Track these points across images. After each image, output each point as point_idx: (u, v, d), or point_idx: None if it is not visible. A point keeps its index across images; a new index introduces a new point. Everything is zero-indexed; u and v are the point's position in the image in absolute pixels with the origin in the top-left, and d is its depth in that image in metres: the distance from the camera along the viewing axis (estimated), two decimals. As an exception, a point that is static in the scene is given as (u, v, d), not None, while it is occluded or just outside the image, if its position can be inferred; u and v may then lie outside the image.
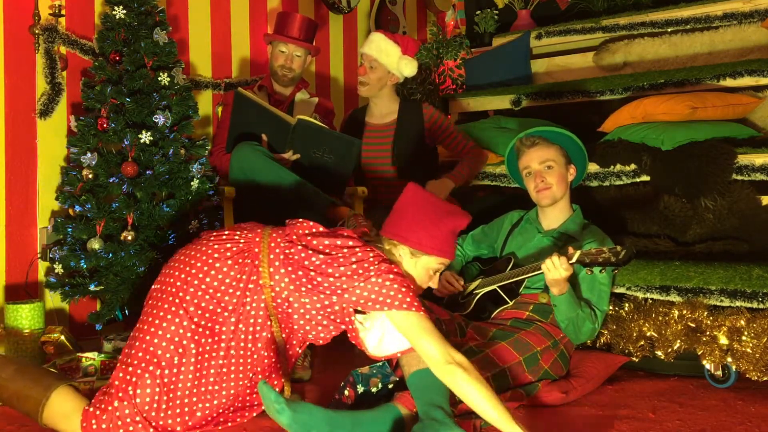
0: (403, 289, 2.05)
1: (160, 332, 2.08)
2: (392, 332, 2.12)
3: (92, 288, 2.95)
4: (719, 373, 2.61)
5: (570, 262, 2.37)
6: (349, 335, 2.19)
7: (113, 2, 3.12)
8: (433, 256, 2.18)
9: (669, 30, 3.89)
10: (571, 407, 2.41)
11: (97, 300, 3.14)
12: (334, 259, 2.09)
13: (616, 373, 2.73)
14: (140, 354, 2.07)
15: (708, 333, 2.54)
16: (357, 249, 2.11)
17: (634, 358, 2.71)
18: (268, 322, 2.15)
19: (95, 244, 2.93)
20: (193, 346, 2.08)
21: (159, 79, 3.10)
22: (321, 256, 2.10)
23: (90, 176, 3.01)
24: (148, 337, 2.08)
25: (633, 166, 3.09)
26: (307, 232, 2.19)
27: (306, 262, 2.11)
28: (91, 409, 2.04)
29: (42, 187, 3.24)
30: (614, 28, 4.06)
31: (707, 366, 2.61)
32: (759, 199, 2.91)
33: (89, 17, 3.42)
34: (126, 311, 3.00)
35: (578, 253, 2.37)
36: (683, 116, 3.07)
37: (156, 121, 3.06)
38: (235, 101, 3.19)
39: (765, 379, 2.45)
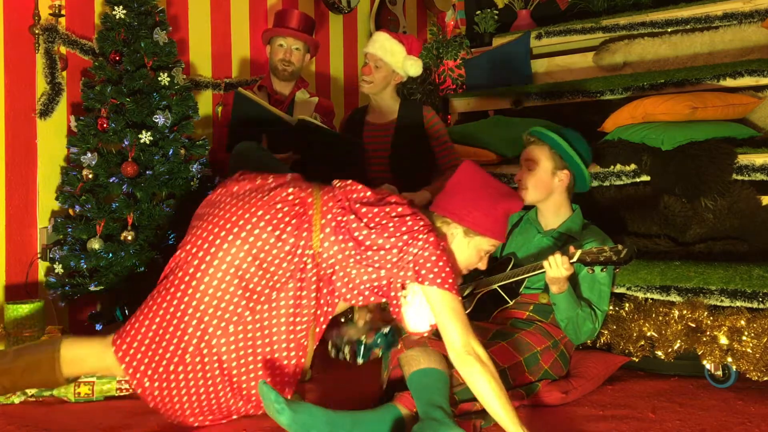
0: (448, 269, 2.02)
1: (214, 301, 2.03)
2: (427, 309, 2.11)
3: (92, 288, 2.95)
4: (719, 373, 2.61)
5: (571, 261, 2.37)
6: (391, 309, 2.15)
7: (113, 2, 3.12)
8: (486, 237, 2.16)
9: (669, 30, 3.89)
10: (571, 407, 2.41)
11: (97, 300, 3.14)
12: (384, 229, 2.05)
13: (616, 373, 2.73)
14: (191, 324, 2.03)
15: (708, 333, 2.54)
16: (407, 217, 2.07)
17: (634, 358, 2.71)
18: (313, 291, 2.10)
19: (95, 244, 2.93)
20: (248, 313, 2.04)
21: (159, 79, 3.10)
22: (372, 226, 2.06)
23: (90, 176, 3.01)
24: (195, 302, 2.03)
25: (633, 166, 3.09)
26: (356, 197, 2.14)
27: (356, 233, 2.07)
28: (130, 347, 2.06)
29: (42, 187, 3.24)
30: (614, 28, 4.06)
31: (707, 366, 2.61)
32: (759, 199, 2.91)
33: (89, 17, 3.42)
34: (126, 311, 3.00)
35: (579, 252, 2.37)
36: (683, 116, 3.07)
37: (156, 121, 3.06)
38: (235, 101, 3.20)
39: (765, 379, 2.44)
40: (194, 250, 2.06)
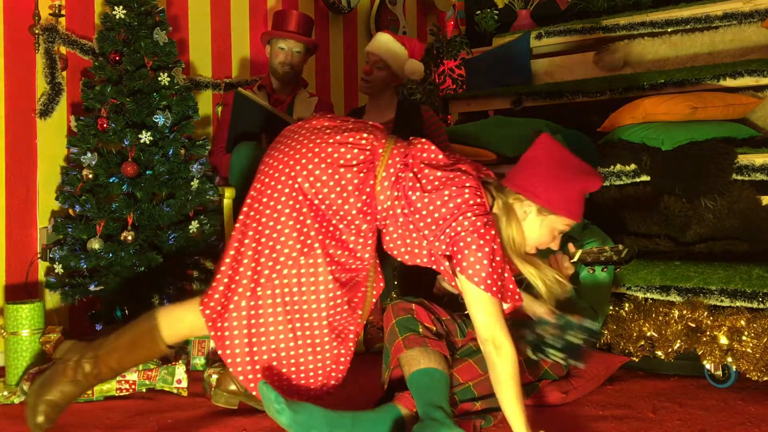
0: (485, 262, 1.92)
1: (290, 221, 2.01)
2: None
3: (92, 288, 2.95)
4: (719, 373, 2.61)
5: (572, 260, 2.36)
6: (447, 277, 2.11)
7: (113, 2, 3.12)
8: (561, 216, 2.06)
9: (669, 30, 3.89)
10: (571, 407, 2.41)
11: (97, 300, 3.14)
12: (439, 196, 1.98)
13: (616, 373, 2.73)
14: (268, 263, 2.01)
15: (708, 333, 2.54)
16: (466, 190, 1.99)
17: (634, 358, 2.71)
18: (371, 241, 2.09)
19: (95, 244, 2.93)
20: (318, 245, 2.00)
21: (159, 79, 3.10)
22: (429, 189, 1.99)
23: (90, 176, 3.01)
24: (270, 227, 2.02)
25: (633, 166, 3.09)
26: (424, 156, 2.08)
27: (410, 192, 2.02)
28: (213, 306, 2.05)
29: (42, 187, 3.24)
30: (614, 28, 4.06)
31: (707, 366, 2.61)
32: (759, 199, 2.91)
33: (89, 17, 3.42)
34: (126, 311, 3.00)
35: (580, 251, 2.37)
36: (683, 116, 3.07)
37: (156, 121, 3.06)
38: (235, 101, 3.20)
39: (765, 379, 2.45)
40: (267, 179, 2.07)
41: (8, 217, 3.16)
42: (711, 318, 2.55)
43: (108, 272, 2.95)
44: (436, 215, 1.98)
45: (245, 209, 2.10)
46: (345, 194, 2.02)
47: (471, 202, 1.97)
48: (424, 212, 2.00)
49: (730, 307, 2.56)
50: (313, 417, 1.94)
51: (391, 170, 2.06)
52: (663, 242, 2.99)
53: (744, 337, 2.47)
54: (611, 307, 2.72)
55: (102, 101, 3.06)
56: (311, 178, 2.01)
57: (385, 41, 3.34)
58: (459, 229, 1.95)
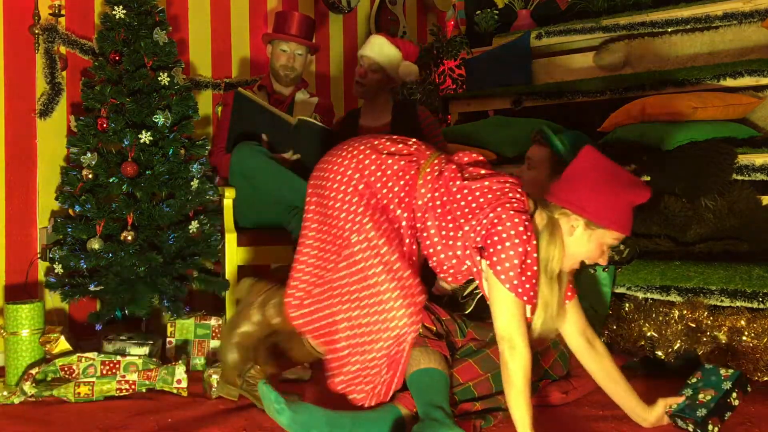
0: (516, 261, 1.93)
1: (339, 222, 2.15)
2: None
3: (92, 288, 2.95)
4: (719, 373, 2.61)
5: (572, 261, 2.36)
6: (477, 279, 2.12)
7: (113, 2, 3.12)
8: (609, 230, 2.03)
9: (669, 30, 3.89)
10: (571, 407, 2.41)
11: (97, 300, 3.14)
12: (479, 187, 2.04)
13: (616, 373, 2.73)
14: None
15: (708, 333, 2.54)
16: (507, 184, 2.05)
17: (634, 358, 2.71)
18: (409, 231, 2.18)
19: (95, 244, 2.93)
20: (366, 219, 2.12)
21: (159, 79, 3.10)
22: (466, 182, 2.07)
23: (90, 176, 3.02)
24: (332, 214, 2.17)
25: (633, 166, 3.09)
26: (470, 161, 2.19)
27: (450, 183, 2.11)
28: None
29: (42, 187, 3.24)
30: (614, 28, 4.06)
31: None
32: (759, 199, 2.91)
33: (89, 17, 3.42)
34: (126, 311, 3.00)
35: (579, 252, 2.36)
36: (683, 116, 3.07)
37: (156, 121, 3.06)
38: (235, 101, 3.20)
39: (765, 379, 2.44)
40: (328, 174, 2.22)
41: (8, 217, 3.16)
42: (711, 318, 2.55)
43: (108, 272, 2.95)
44: (474, 205, 2.03)
45: (312, 206, 2.26)
46: (384, 178, 2.14)
47: (510, 195, 2.01)
48: (462, 203, 2.05)
49: (730, 307, 2.56)
50: (313, 417, 1.95)
51: (436, 167, 2.17)
52: (663, 242, 2.99)
53: (744, 337, 2.47)
54: (611, 307, 2.72)
55: (102, 101, 3.06)
56: (361, 167, 2.16)
57: (379, 44, 3.33)
58: (496, 221, 1.96)
